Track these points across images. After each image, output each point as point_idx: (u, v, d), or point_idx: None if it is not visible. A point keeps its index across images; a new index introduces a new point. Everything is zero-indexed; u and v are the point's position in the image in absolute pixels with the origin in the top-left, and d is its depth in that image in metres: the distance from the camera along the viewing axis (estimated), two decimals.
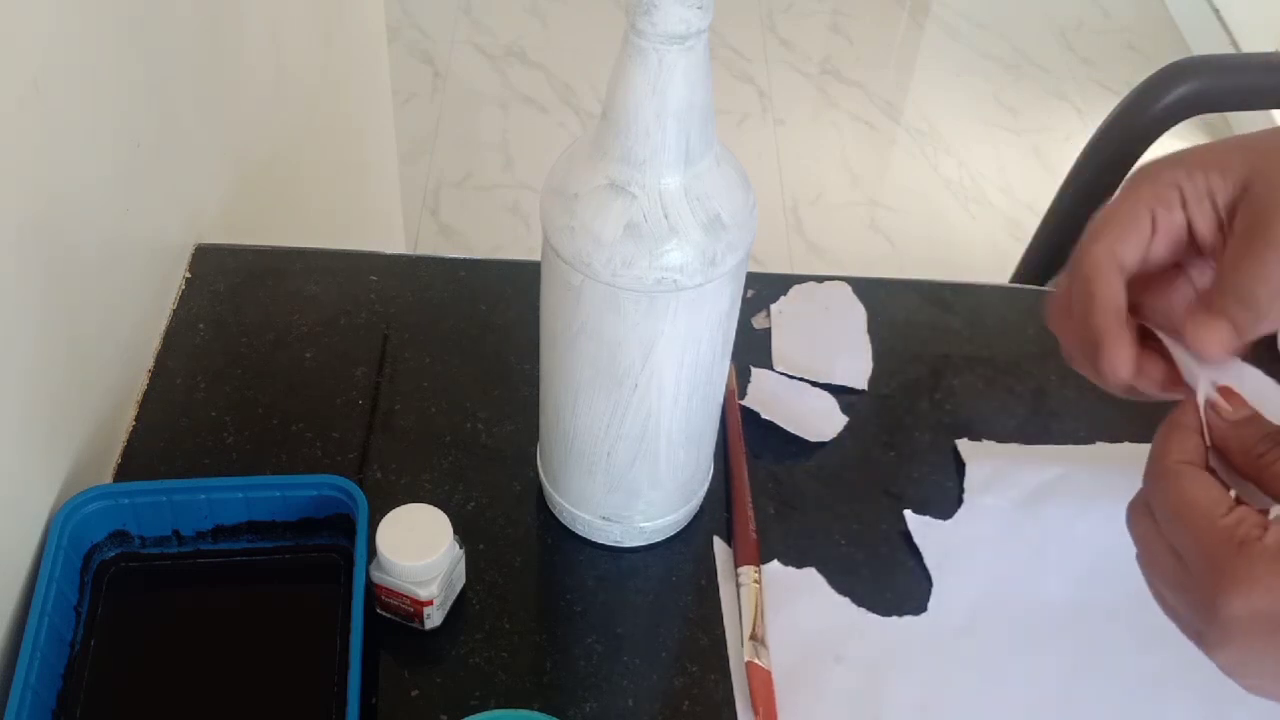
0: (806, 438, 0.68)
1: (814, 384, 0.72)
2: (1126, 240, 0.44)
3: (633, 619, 0.61)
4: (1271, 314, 0.41)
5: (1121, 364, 0.43)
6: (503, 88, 2.33)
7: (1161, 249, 0.45)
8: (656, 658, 0.59)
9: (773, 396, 0.70)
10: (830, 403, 0.71)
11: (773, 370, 0.72)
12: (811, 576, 0.62)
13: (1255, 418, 0.41)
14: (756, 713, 0.56)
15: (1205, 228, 0.44)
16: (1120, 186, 0.46)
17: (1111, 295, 0.43)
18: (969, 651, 0.60)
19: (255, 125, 0.92)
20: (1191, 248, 0.45)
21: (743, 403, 0.69)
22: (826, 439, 0.69)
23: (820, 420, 0.69)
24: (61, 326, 0.60)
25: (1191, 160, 0.44)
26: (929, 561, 0.63)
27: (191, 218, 0.78)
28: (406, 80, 2.30)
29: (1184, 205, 0.44)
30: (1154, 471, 0.41)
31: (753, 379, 0.71)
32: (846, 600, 0.62)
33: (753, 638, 0.58)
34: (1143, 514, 0.41)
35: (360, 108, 1.36)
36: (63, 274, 0.60)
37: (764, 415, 0.69)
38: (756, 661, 0.57)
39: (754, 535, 0.63)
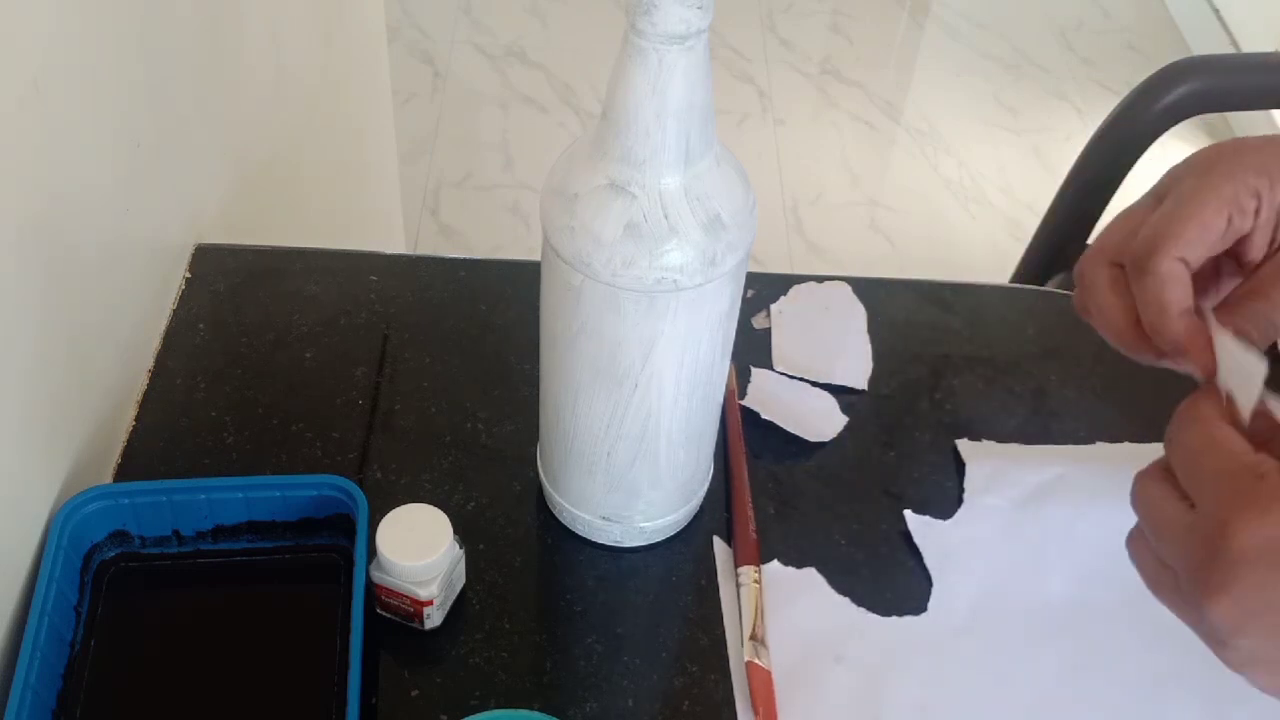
0: (806, 438, 0.68)
1: (814, 384, 0.72)
2: (1200, 245, 0.43)
3: (633, 619, 0.61)
4: None
5: (1208, 369, 0.43)
6: (503, 88, 2.33)
7: (1218, 248, 0.44)
8: (656, 658, 0.59)
9: (773, 396, 0.70)
10: (830, 403, 0.71)
11: (773, 370, 0.72)
12: (811, 576, 0.62)
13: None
14: (756, 713, 0.56)
15: (1260, 241, 0.44)
16: (1203, 164, 0.44)
17: (1188, 312, 0.43)
18: (969, 651, 0.60)
19: (255, 125, 0.92)
20: (1231, 251, 0.45)
21: (743, 403, 0.69)
22: (826, 439, 0.69)
23: (820, 420, 0.69)
24: (61, 326, 0.60)
25: (1276, 170, 0.43)
26: (929, 561, 0.63)
27: (191, 218, 0.78)
28: (406, 80, 2.30)
29: (1256, 214, 0.43)
30: (1182, 418, 0.41)
31: (753, 379, 0.71)
32: (846, 600, 0.62)
33: (753, 638, 0.58)
34: (1155, 477, 0.41)
35: (360, 108, 1.36)
36: (63, 274, 0.60)
37: (764, 415, 0.69)
38: (756, 661, 0.57)
39: (754, 535, 0.63)
